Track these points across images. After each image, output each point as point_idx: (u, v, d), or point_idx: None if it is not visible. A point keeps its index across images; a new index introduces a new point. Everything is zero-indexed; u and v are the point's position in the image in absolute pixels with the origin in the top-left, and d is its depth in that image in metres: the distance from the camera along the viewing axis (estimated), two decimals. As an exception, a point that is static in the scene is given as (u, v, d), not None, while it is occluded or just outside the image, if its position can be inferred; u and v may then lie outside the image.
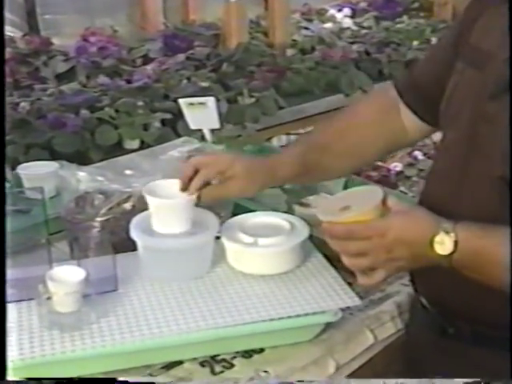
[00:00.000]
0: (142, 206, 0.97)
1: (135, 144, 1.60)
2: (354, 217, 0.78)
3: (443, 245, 0.74)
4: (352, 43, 2.41)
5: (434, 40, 2.36)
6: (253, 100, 1.87)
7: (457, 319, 0.83)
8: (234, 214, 1.07)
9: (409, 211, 0.78)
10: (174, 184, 0.98)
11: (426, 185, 0.88)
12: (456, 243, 0.73)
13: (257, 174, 0.92)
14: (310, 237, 1.00)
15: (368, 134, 0.94)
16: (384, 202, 0.79)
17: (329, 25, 2.73)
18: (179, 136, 1.57)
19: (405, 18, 2.68)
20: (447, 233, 0.74)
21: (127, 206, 1.00)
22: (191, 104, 1.34)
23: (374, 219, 0.77)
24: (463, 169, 0.78)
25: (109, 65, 2.04)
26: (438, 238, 0.74)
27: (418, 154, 2.75)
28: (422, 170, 2.63)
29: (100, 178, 1.02)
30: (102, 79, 1.88)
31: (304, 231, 0.99)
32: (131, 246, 0.95)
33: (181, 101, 1.36)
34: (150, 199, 0.94)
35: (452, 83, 0.82)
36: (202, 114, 1.34)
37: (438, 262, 0.75)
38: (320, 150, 0.95)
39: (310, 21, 2.85)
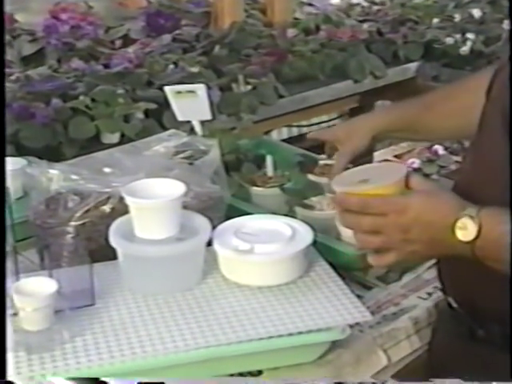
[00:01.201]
0: (122, 209, 0.98)
1: (115, 138, 1.60)
2: (373, 190, 0.80)
3: (466, 230, 0.76)
4: (362, 22, 2.41)
5: (457, 17, 2.36)
6: (249, 87, 1.87)
7: (487, 321, 0.85)
8: (228, 218, 1.08)
9: (432, 192, 0.80)
10: (159, 183, 0.99)
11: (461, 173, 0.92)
12: (480, 229, 0.75)
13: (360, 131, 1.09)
14: (314, 243, 1.01)
15: (477, 97, 0.94)
16: (407, 180, 0.81)
17: (336, 0, 2.74)
18: (165, 129, 1.58)
19: (423, -7, 2.70)
20: (471, 217, 0.76)
21: (106, 208, 1.01)
22: (179, 92, 1.35)
23: (393, 195, 0.79)
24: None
25: (83, 46, 2.04)
26: (460, 223, 0.76)
27: (439, 149, 2.76)
28: (442, 167, 2.65)
29: (74, 177, 1.03)
30: (76, 63, 1.88)
31: (307, 237, 1.01)
32: (110, 254, 0.97)
33: (167, 89, 1.37)
34: (131, 200, 0.95)
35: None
36: (190, 103, 1.35)
37: (459, 250, 0.77)
38: (425, 108, 1.03)
39: (314, -4, 2.86)
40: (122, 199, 0.97)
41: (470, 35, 2.14)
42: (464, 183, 0.87)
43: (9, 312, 0.82)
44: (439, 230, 0.78)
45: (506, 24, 2.09)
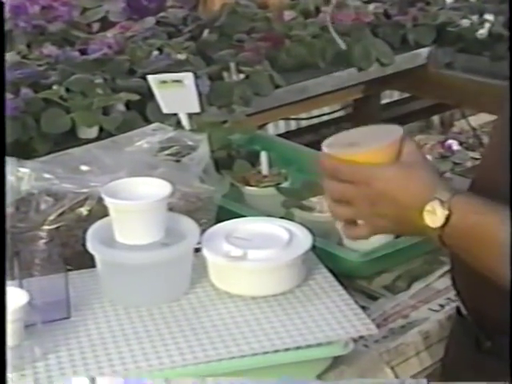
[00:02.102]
0: (101, 211, 0.99)
1: (93, 132, 1.61)
2: (354, 155, 0.82)
3: (434, 215, 0.78)
4: (367, 3, 2.42)
5: (474, -3, 2.37)
6: (242, 76, 1.87)
7: (495, 332, 0.86)
8: (219, 221, 1.09)
9: (411, 165, 0.81)
10: (142, 183, 1.00)
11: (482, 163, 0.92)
12: (449, 216, 0.77)
13: None
14: (314, 248, 1.02)
15: None
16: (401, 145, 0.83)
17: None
18: (148, 122, 1.58)
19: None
20: (441, 202, 0.77)
21: (83, 210, 1.02)
22: (164, 82, 1.36)
23: (380, 161, 0.81)
24: None
25: (56, 30, 2.04)
26: (429, 206, 0.78)
27: (453, 144, 2.77)
28: (457, 165, 2.66)
29: (47, 176, 1.04)
30: (48, 49, 1.88)
31: (306, 241, 1.02)
32: (88, 262, 0.97)
33: (150, 78, 1.38)
34: (111, 202, 0.96)
35: None
36: (177, 94, 1.36)
37: (428, 234, 0.79)
38: None
39: (314, -26, 2.87)
40: (100, 200, 0.98)
41: (488, 16, 2.14)
42: (483, 181, 0.88)
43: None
44: (407, 209, 0.80)
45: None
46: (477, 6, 2.27)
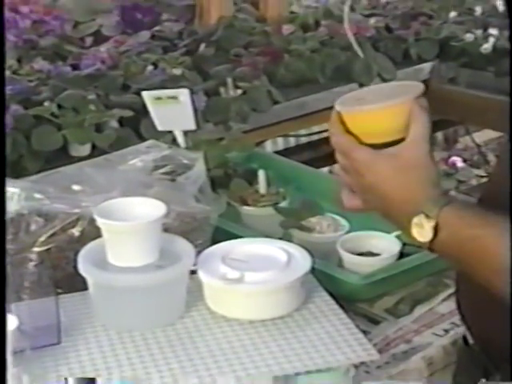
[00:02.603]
0: (93, 232, 1.00)
1: (85, 150, 1.62)
2: (360, 113, 0.83)
3: (421, 229, 0.78)
4: (369, 16, 2.44)
5: (478, 10, 2.39)
6: (239, 92, 1.89)
7: (503, 360, 0.86)
8: (215, 241, 1.10)
9: (405, 165, 0.81)
10: (136, 203, 1.01)
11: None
12: (436, 230, 0.77)
13: None
14: (313, 270, 1.03)
15: None
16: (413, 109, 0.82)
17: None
18: (143, 139, 1.59)
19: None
20: (427, 217, 0.78)
21: (74, 231, 1.03)
22: (158, 98, 1.37)
23: (390, 121, 0.82)
24: None
25: (48, 44, 2.06)
26: (416, 219, 0.79)
27: (458, 161, 2.78)
28: (462, 182, 2.67)
29: (38, 196, 1.04)
30: (40, 64, 1.89)
31: (305, 263, 1.02)
32: (79, 284, 0.98)
33: (145, 94, 1.39)
34: (104, 223, 0.97)
35: None
36: (172, 111, 1.37)
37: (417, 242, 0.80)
38: None
39: (313, -14, 2.90)
40: (93, 221, 0.98)
41: (492, 31, 2.15)
42: (491, 199, 0.88)
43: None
44: (394, 216, 0.82)
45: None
46: (481, 20, 2.29)
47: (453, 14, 2.38)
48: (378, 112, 0.82)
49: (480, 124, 2.22)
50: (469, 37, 2.16)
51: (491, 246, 0.76)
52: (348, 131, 0.84)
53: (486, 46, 2.10)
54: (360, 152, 0.83)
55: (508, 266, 0.74)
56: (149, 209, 1.00)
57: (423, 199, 0.79)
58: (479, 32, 2.18)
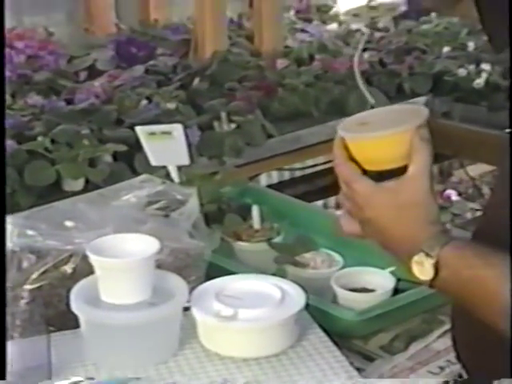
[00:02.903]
0: (86, 269, 1.00)
1: (78, 185, 1.62)
2: (362, 141, 0.83)
3: (422, 267, 0.79)
4: (363, 50, 2.47)
5: (470, 45, 2.42)
6: (233, 126, 1.90)
7: None
8: (208, 278, 1.10)
9: (405, 202, 0.81)
10: (129, 239, 1.01)
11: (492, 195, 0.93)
12: (437, 269, 0.78)
13: None
14: (307, 307, 1.03)
15: None
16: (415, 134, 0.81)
17: (333, 26, 2.80)
18: (137, 174, 1.60)
19: (433, 16, 2.76)
20: (428, 255, 0.78)
21: (67, 268, 1.03)
22: (152, 133, 1.38)
23: (392, 148, 0.81)
24: None
25: (42, 79, 2.07)
26: (417, 257, 0.79)
27: (452, 194, 2.80)
28: (457, 216, 2.68)
29: (30, 232, 1.04)
30: (33, 98, 1.91)
31: (299, 300, 1.02)
32: (71, 322, 0.97)
33: (138, 129, 1.40)
34: (96, 259, 0.97)
35: None
36: (166, 146, 1.37)
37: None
38: None
39: (308, 21, 2.92)
40: (85, 258, 0.98)
41: (485, 66, 2.18)
42: (486, 233, 0.88)
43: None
44: (394, 248, 0.82)
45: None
46: (473, 55, 2.32)
47: (446, 49, 2.41)
48: (382, 140, 0.82)
49: (474, 158, 2.24)
50: (462, 72, 2.19)
51: (492, 287, 0.76)
52: (351, 157, 0.84)
53: (479, 81, 2.12)
54: (360, 184, 0.83)
55: (509, 305, 0.74)
56: (142, 245, 1.00)
57: (423, 237, 0.79)
58: (472, 67, 2.21)
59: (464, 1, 0.94)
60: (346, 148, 0.84)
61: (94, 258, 0.97)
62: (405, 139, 0.82)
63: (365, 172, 0.84)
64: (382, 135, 0.82)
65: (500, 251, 0.77)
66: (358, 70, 0.75)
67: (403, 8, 0.84)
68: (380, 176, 0.84)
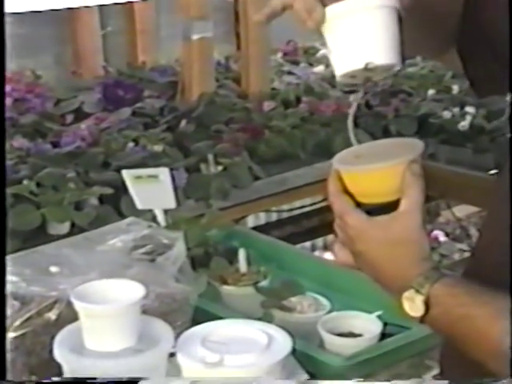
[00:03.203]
0: (70, 316, 0.99)
1: (64, 228, 1.62)
2: (356, 173, 0.83)
3: (413, 303, 0.78)
4: (349, 93, 2.50)
5: (455, 88, 2.46)
6: (220, 168, 1.91)
7: None
8: (194, 323, 1.09)
9: (397, 236, 0.81)
10: (115, 285, 1.01)
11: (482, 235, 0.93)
12: (427, 306, 0.77)
13: None
14: (294, 352, 1.02)
15: None
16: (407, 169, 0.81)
17: (319, 68, 2.84)
18: (123, 216, 1.60)
19: (418, 59, 2.81)
20: (418, 292, 0.78)
21: (51, 315, 1.02)
22: (138, 177, 1.38)
23: (386, 182, 0.82)
24: None
25: (28, 122, 2.08)
26: (407, 293, 0.79)
27: (440, 235, 2.81)
28: (444, 256, 2.69)
29: (14, 278, 1.04)
30: (19, 141, 1.91)
31: (285, 346, 1.02)
32: (55, 370, 0.96)
33: (125, 173, 1.40)
34: (81, 306, 0.96)
35: None
36: (152, 189, 1.38)
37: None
38: None
39: (295, 63, 2.96)
40: (70, 304, 0.98)
41: (469, 109, 2.21)
42: (477, 268, 0.88)
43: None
44: (385, 283, 0.82)
45: (509, 97, 2.17)
46: (458, 98, 2.36)
47: (431, 91, 2.45)
48: (375, 172, 0.82)
49: (459, 199, 2.26)
50: (447, 114, 2.22)
51: (483, 326, 0.76)
52: (346, 189, 0.84)
53: (464, 124, 2.15)
54: (353, 217, 0.83)
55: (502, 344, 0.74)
56: (127, 291, 1.00)
57: (414, 274, 0.79)
58: (457, 110, 2.24)
59: (449, 50, 0.96)
60: (341, 180, 0.84)
61: (78, 305, 0.96)
62: (398, 173, 0.81)
63: (359, 205, 0.84)
64: (374, 168, 0.82)
65: (491, 290, 0.77)
66: (352, 127, 0.77)
67: (398, 67, 0.86)
68: (374, 209, 0.85)
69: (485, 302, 0.77)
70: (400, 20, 0.81)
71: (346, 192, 0.84)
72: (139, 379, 0.89)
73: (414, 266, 0.80)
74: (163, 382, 0.97)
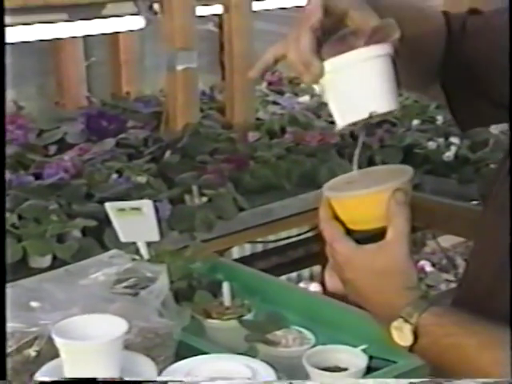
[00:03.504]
0: (51, 352, 0.98)
1: (45, 261, 1.61)
2: (342, 197, 0.83)
3: (401, 333, 0.79)
4: (333, 123, 2.51)
5: (439, 118, 2.48)
6: (204, 200, 1.91)
7: None
8: (178, 357, 1.09)
9: (385, 266, 0.81)
10: (97, 320, 1.00)
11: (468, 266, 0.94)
12: (416, 335, 0.78)
13: None
14: (279, 388, 1.02)
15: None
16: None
17: (304, 98, 2.85)
18: (106, 249, 1.59)
19: (402, 89, 2.83)
20: (406, 321, 0.78)
21: (31, 351, 1.01)
22: (122, 210, 1.38)
23: (375, 207, 0.82)
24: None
25: (10, 153, 2.08)
26: (396, 323, 0.79)
27: (426, 265, 2.81)
28: (431, 287, 2.69)
29: (-6, 313, 1.03)
30: (2, 173, 1.92)
31: (269, 380, 1.02)
32: (35, 408, 0.96)
33: (108, 206, 1.40)
34: (61, 342, 0.96)
35: (506, 164, 0.88)
36: (135, 222, 1.38)
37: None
38: None
39: (280, 93, 2.98)
40: (50, 340, 0.97)
41: (454, 139, 2.23)
42: (464, 299, 0.89)
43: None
44: (373, 312, 0.82)
45: (493, 128, 2.20)
46: (442, 128, 2.38)
47: (416, 122, 2.47)
48: (362, 198, 0.83)
49: (444, 230, 2.27)
50: (431, 145, 2.24)
51: (471, 355, 0.76)
52: (336, 216, 0.84)
53: (449, 154, 2.17)
54: (341, 244, 0.83)
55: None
56: (109, 326, 0.99)
57: (402, 303, 0.79)
58: (441, 140, 2.26)
59: (433, 85, 0.97)
60: (331, 207, 0.85)
61: (59, 341, 0.96)
62: (383, 199, 0.82)
63: (350, 232, 0.85)
64: (359, 194, 0.83)
65: (480, 319, 0.77)
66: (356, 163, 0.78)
67: (396, 112, 0.89)
68: (365, 237, 0.85)
69: (474, 331, 0.77)
70: (394, 63, 0.83)
71: (337, 219, 0.84)
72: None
73: (401, 295, 0.80)
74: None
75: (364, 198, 0.83)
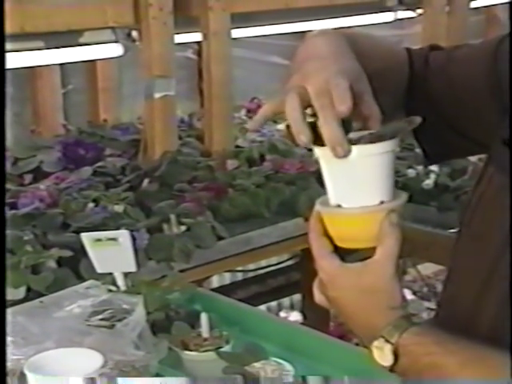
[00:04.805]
0: (24, 388, 0.97)
1: (20, 293, 1.60)
2: (332, 213, 0.83)
3: (382, 353, 0.79)
4: (312, 150, 2.53)
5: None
6: (183, 228, 1.91)
7: None
8: (155, 392, 1.08)
9: (368, 286, 0.82)
10: (71, 354, 1.00)
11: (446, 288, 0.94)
12: (396, 355, 0.78)
13: None
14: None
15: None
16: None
17: (283, 126, 2.87)
18: (82, 279, 1.59)
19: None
20: (387, 341, 0.79)
21: (3, 387, 1.00)
22: (98, 240, 1.38)
23: (365, 225, 0.82)
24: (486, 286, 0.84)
25: (-14, 182, 2.08)
26: (376, 343, 0.79)
27: (407, 293, 2.82)
28: (413, 315, 2.69)
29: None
30: (-24, 202, 1.91)
31: (248, 415, 1.01)
32: None
33: (84, 237, 1.40)
34: (34, 378, 0.95)
35: (477, 191, 0.90)
36: (112, 253, 1.37)
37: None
38: None
39: (259, 120, 3.00)
40: (23, 376, 0.96)
41: (433, 167, 2.25)
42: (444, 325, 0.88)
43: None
44: (356, 331, 0.83)
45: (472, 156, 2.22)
46: (422, 156, 2.39)
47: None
48: (353, 217, 0.83)
49: (424, 258, 2.28)
50: (411, 172, 2.25)
51: (451, 375, 0.76)
52: (326, 232, 0.84)
53: (428, 182, 2.19)
54: (326, 261, 0.83)
55: None
56: (85, 360, 0.99)
57: (383, 323, 0.80)
58: (421, 168, 2.27)
59: (400, 117, 0.99)
60: (322, 222, 0.85)
61: (32, 377, 0.95)
62: (376, 220, 0.82)
63: (337, 248, 0.85)
64: (353, 212, 0.83)
65: (460, 339, 0.78)
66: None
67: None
68: (349, 255, 0.85)
69: (453, 350, 0.77)
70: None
71: (326, 234, 0.85)
72: None
73: (383, 314, 0.81)
74: None
75: (355, 217, 0.83)
